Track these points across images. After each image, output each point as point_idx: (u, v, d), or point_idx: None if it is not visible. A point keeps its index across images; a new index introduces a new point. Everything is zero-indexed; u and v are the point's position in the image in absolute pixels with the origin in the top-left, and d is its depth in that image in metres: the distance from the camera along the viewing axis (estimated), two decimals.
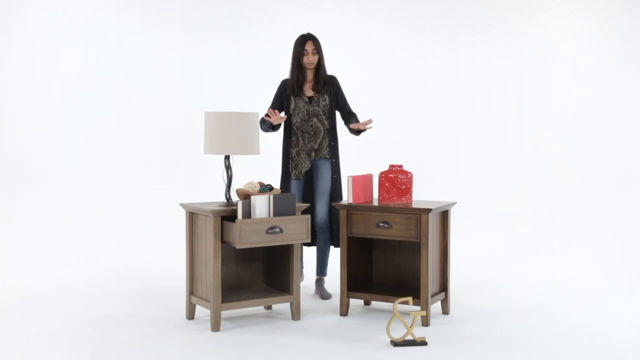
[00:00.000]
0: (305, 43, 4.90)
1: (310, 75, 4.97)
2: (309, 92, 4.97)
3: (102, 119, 7.22)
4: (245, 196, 4.12)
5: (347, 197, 4.39)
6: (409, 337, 3.85)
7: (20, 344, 3.84)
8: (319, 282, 5.05)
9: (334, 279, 5.41)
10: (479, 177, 7.25)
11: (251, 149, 4.14)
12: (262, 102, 6.32)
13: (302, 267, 5.15)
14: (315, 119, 4.92)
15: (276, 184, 6.58)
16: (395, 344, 3.78)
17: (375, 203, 4.39)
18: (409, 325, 4.13)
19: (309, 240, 4.19)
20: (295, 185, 4.95)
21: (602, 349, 3.75)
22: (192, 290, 4.30)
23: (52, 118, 7.13)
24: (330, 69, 5.88)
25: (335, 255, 6.06)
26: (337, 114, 5.39)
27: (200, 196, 6.82)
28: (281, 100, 4.99)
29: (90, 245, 6.58)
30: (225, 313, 4.46)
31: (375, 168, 7.30)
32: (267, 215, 4.08)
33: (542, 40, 7.24)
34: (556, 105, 7.23)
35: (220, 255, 4.03)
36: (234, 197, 6.76)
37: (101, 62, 7.23)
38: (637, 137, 7.07)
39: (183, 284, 5.28)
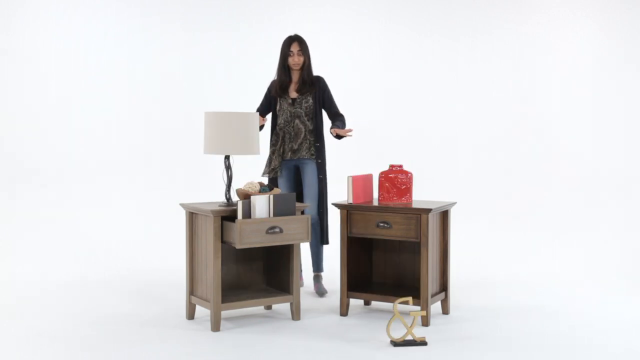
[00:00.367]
0: (291, 44, 4.97)
1: (296, 76, 5.05)
2: (293, 93, 5.04)
3: (102, 119, 7.22)
4: (245, 196, 4.12)
5: (347, 197, 4.38)
6: (409, 337, 3.85)
7: (20, 344, 3.84)
8: (317, 279, 5.11)
9: (334, 278, 5.41)
10: (479, 177, 7.25)
11: (251, 149, 4.14)
12: (261, 100, 6.31)
13: (300, 270, 5.18)
14: (297, 120, 4.99)
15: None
16: (395, 344, 3.78)
17: (375, 203, 4.39)
18: (409, 325, 4.13)
19: (309, 241, 4.20)
20: (281, 183, 5.04)
21: (602, 349, 3.75)
22: (192, 290, 4.30)
23: (52, 118, 7.13)
24: (330, 69, 5.88)
25: (335, 255, 6.07)
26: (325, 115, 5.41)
27: (200, 196, 6.82)
28: (269, 100, 5.09)
29: (90, 245, 6.58)
30: (225, 313, 4.46)
31: (375, 168, 7.30)
32: (267, 215, 4.08)
33: (542, 40, 7.24)
34: (556, 105, 7.23)
35: (220, 255, 4.03)
36: (234, 197, 6.76)
37: (101, 62, 7.23)
38: (637, 137, 7.07)
39: (183, 284, 5.28)
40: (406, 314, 4.50)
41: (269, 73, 6.66)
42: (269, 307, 4.59)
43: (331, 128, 4.93)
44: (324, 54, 7.20)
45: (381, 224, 4.25)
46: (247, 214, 4.03)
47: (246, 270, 4.52)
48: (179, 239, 6.52)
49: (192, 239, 4.28)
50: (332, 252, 6.04)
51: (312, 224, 5.02)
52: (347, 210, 4.37)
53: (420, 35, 7.43)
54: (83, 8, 7.19)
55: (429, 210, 4.12)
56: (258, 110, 5.10)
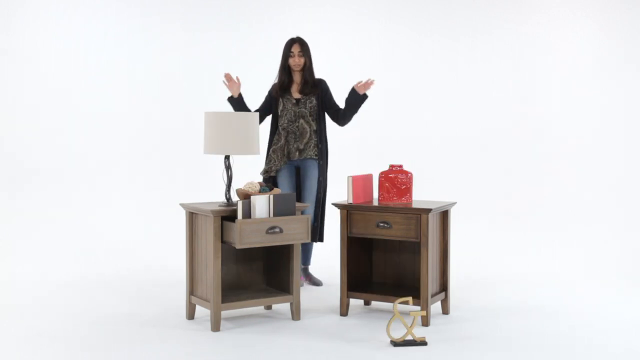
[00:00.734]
0: (292, 45, 5.04)
1: (297, 77, 5.10)
2: (296, 94, 5.08)
3: (102, 119, 7.22)
4: (245, 196, 4.12)
5: (347, 197, 4.39)
6: (409, 337, 3.85)
7: (20, 344, 3.84)
8: (306, 271, 5.26)
9: (334, 278, 5.40)
10: (479, 177, 7.25)
11: (251, 148, 4.14)
12: (262, 102, 6.31)
13: (301, 270, 5.22)
14: (301, 120, 5.04)
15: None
16: (395, 343, 3.78)
17: (375, 203, 4.39)
18: (409, 325, 4.13)
19: (309, 240, 4.21)
20: (282, 181, 5.07)
21: (602, 349, 3.75)
22: (192, 290, 4.30)
23: (52, 118, 7.13)
24: (330, 69, 5.88)
25: (335, 255, 6.06)
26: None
27: (200, 196, 6.82)
28: (270, 102, 5.12)
29: (90, 245, 6.58)
30: (225, 313, 4.46)
31: (375, 168, 7.31)
32: (267, 215, 4.08)
33: (542, 40, 7.24)
34: (556, 105, 7.23)
35: (220, 255, 4.03)
36: (234, 197, 6.76)
37: (101, 62, 7.23)
38: (637, 137, 7.07)
39: (183, 284, 5.28)
40: (406, 314, 4.49)
41: (269, 73, 6.64)
42: (269, 307, 4.59)
43: (353, 87, 4.99)
44: (324, 54, 7.19)
45: (381, 224, 4.25)
46: (247, 214, 4.03)
47: (246, 270, 4.52)
48: (179, 239, 6.52)
49: (192, 239, 4.28)
50: (332, 252, 6.03)
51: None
52: (347, 210, 4.37)
53: (420, 35, 7.43)
54: (83, 8, 7.19)
55: (429, 210, 4.12)
56: (258, 110, 5.12)
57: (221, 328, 4.13)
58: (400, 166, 4.45)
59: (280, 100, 5.06)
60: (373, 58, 7.47)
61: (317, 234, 5.11)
